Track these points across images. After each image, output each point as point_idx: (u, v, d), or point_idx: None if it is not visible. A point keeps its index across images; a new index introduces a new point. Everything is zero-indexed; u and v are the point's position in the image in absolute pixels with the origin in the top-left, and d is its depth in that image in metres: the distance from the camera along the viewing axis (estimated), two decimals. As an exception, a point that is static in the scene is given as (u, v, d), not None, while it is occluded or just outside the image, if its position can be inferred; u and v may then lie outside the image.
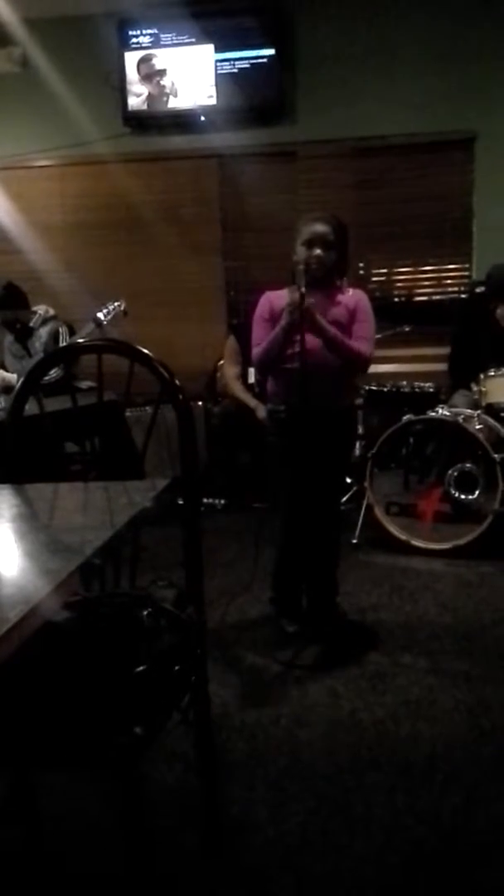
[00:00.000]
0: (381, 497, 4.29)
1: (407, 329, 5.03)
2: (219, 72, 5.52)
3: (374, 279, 5.85)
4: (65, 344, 4.69)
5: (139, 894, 1.66)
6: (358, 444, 4.61)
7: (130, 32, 5.59)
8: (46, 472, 1.90)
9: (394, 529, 4.23)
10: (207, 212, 5.88)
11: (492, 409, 4.33)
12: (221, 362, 5.34)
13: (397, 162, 5.63)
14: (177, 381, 1.89)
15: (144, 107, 5.68)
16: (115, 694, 1.47)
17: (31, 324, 4.90)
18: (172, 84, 5.62)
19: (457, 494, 4.14)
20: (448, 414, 4.22)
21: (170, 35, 5.55)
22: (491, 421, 4.27)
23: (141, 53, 5.61)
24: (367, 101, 5.43)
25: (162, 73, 5.61)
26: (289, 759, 2.39)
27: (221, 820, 2.05)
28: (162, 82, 5.63)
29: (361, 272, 5.74)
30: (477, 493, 4.10)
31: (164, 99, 5.65)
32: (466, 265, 5.68)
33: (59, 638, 1.49)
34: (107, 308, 4.39)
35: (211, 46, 5.50)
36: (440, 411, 4.26)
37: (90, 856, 1.99)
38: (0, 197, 5.90)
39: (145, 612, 1.63)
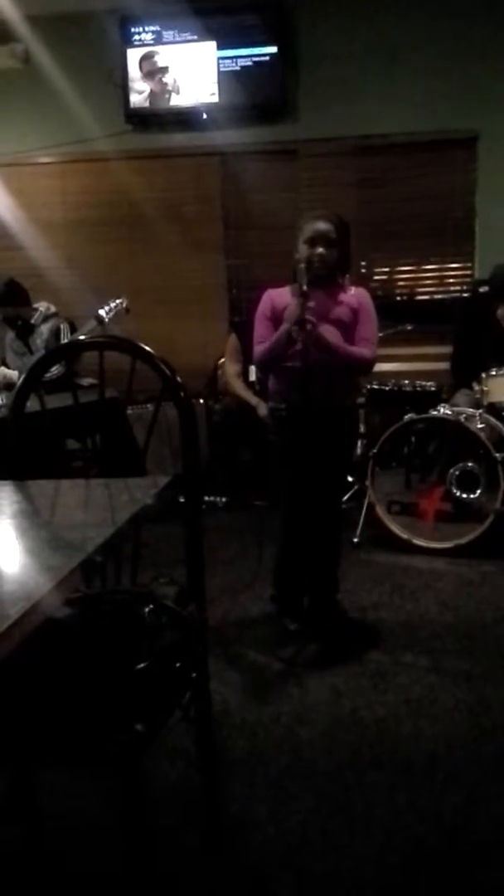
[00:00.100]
0: (383, 496, 4.28)
1: (409, 328, 5.03)
2: (221, 69, 5.51)
3: (376, 278, 5.85)
4: (66, 341, 4.68)
5: (139, 892, 1.66)
6: (359, 443, 4.60)
7: (133, 29, 5.58)
8: (48, 469, 1.90)
9: (395, 528, 4.22)
10: (209, 209, 5.87)
11: (493, 409, 4.33)
12: (223, 360, 5.34)
13: (399, 160, 5.62)
14: (178, 379, 1.89)
15: (146, 104, 5.68)
16: (117, 691, 1.47)
17: (33, 321, 4.89)
18: (174, 81, 5.61)
19: (458, 493, 4.14)
20: (450, 413, 4.22)
21: (172, 32, 5.54)
22: (492, 420, 4.27)
23: (143, 50, 5.60)
24: (370, 99, 5.43)
25: (164, 70, 5.61)
26: (289, 757, 2.38)
27: (222, 818, 2.05)
28: (164, 79, 5.62)
29: (363, 271, 5.74)
30: (478, 492, 4.10)
31: (167, 96, 5.65)
32: (468, 264, 5.67)
33: (60, 634, 1.49)
34: (109, 305, 4.39)
35: (213, 44, 5.49)
36: (442, 410, 4.26)
37: (90, 853, 1.98)
38: (2, 194, 5.89)
39: (146, 609, 1.63)
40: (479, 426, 4.14)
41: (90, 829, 2.06)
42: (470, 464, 4.12)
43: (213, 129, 5.60)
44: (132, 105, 5.67)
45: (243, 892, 1.88)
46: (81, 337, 3.77)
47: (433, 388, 4.50)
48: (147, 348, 1.92)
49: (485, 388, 4.39)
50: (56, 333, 4.85)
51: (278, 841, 2.02)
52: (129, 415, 2.61)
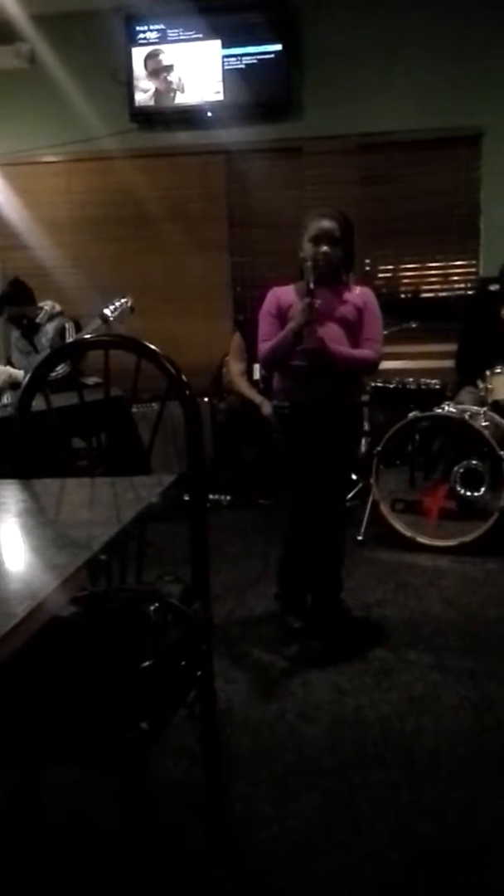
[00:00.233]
0: (387, 494, 4.28)
1: (413, 326, 5.02)
2: (226, 67, 5.51)
3: (381, 275, 5.84)
4: (71, 340, 4.69)
5: (144, 889, 1.67)
6: (364, 441, 4.60)
7: (137, 28, 5.58)
8: (53, 468, 1.90)
9: (399, 526, 4.22)
10: (214, 208, 5.88)
11: (498, 406, 4.32)
12: (227, 358, 5.34)
13: (404, 158, 5.61)
14: (184, 377, 1.89)
15: (151, 102, 5.68)
16: (122, 689, 1.48)
17: (38, 320, 4.91)
18: (179, 80, 5.61)
19: (462, 491, 4.13)
20: (454, 411, 4.22)
21: (177, 31, 5.54)
22: (497, 418, 4.27)
23: (148, 49, 5.61)
24: (374, 96, 5.42)
25: (169, 68, 5.61)
26: (293, 754, 2.39)
27: (226, 815, 2.06)
28: (169, 78, 5.62)
29: (368, 269, 5.74)
30: (483, 489, 4.10)
31: (171, 95, 5.65)
32: (473, 262, 5.66)
33: (65, 633, 1.50)
34: (113, 304, 4.39)
35: (218, 42, 5.49)
36: (446, 408, 4.25)
37: (95, 851, 1.99)
38: (7, 193, 5.90)
39: (152, 608, 1.63)
40: (484, 424, 4.14)
41: (95, 826, 2.07)
42: (474, 462, 4.12)
43: (218, 127, 5.60)
44: (137, 103, 5.68)
45: (247, 889, 1.89)
46: (86, 336, 3.78)
47: (437, 386, 4.49)
48: (152, 347, 1.93)
49: (489, 386, 4.38)
50: (61, 332, 4.86)
51: (282, 839, 2.03)
52: (133, 413, 2.61)
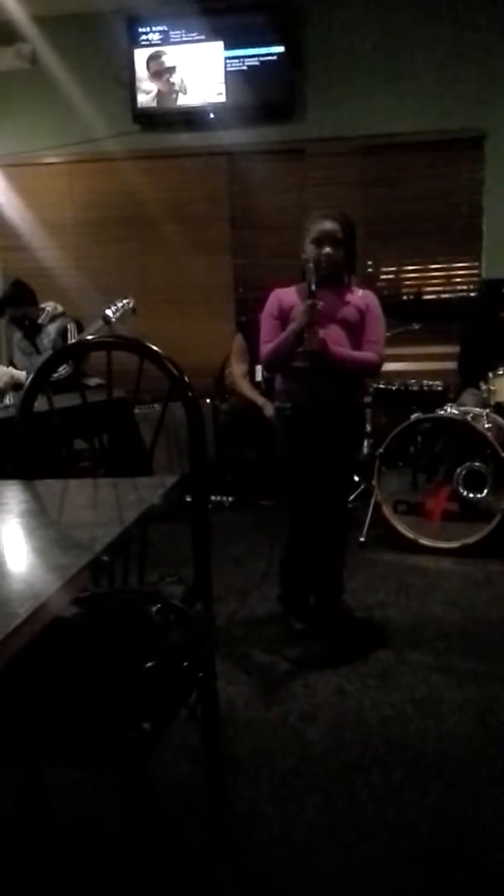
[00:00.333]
0: (389, 495, 4.28)
1: (416, 327, 5.02)
2: (228, 69, 5.51)
3: (383, 277, 5.84)
4: (73, 341, 4.70)
5: (146, 889, 1.67)
6: (366, 443, 4.60)
7: (140, 29, 5.59)
8: (56, 469, 1.91)
9: (402, 528, 4.22)
10: (216, 209, 5.88)
11: (500, 408, 4.32)
12: (229, 360, 5.34)
13: (407, 160, 5.62)
14: (186, 378, 1.89)
15: (154, 104, 5.68)
16: (124, 690, 1.48)
17: (40, 321, 4.91)
18: (182, 81, 5.62)
19: (465, 493, 4.13)
20: (456, 412, 4.22)
21: (179, 32, 5.55)
22: (500, 419, 4.27)
23: (150, 50, 5.61)
24: (377, 98, 5.42)
25: (171, 70, 5.61)
26: (296, 756, 2.39)
27: (228, 816, 2.05)
28: (171, 79, 5.63)
29: (370, 270, 5.73)
30: (485, 491, 4.09)
31: (174, 96, 5.65)
32: (476, 264, 5.66)
33: (68, 633, 1.50)
34: (115, 305, 4.40)
35: (220, 44, 5.49)
36: (448, 410, 4.25)
37: (97, 851, 1.99)
38: (10, 194, 5.91)
39: (154, 609, 1.63)
40: (486, 426, 4.14)
41: (97, 826, 2.07)
42: (477, 463, 4.12)
43: (221, 128, 5.61)
44: (139, 105, 5.68)
45: (249, 890, 1.88)
46: (88, 337, 3.79)
47: (440, 388, 4.49)
48: (155, 348, 1.93)
49: (492, 388, 4.38)
50: (63, 333, 4.86)
51: (284, 839, 2.02)
52: (136, 414, 2.61)
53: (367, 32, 5.41)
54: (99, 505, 1.64)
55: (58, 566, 1.14)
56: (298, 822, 2.08)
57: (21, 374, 4.77)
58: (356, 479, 4.58)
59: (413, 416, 4.24)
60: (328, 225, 3.04)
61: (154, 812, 1.68)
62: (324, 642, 3.12)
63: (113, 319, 4.35)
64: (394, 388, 4.54)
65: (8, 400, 4.03)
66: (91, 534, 1.31)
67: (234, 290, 5.95)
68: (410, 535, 4.20)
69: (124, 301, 4.43)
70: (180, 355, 2.00)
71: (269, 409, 4.29)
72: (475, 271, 5.67)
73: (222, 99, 5.55)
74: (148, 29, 5.58)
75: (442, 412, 4.24)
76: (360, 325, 3.07)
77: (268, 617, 3.39)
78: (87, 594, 1.68)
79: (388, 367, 4.77)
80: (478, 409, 4.30)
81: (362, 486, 4.65)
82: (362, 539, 4.23)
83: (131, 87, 5.66)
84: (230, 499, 5.09)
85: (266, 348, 3.10)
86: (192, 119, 5.67)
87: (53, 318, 4.92)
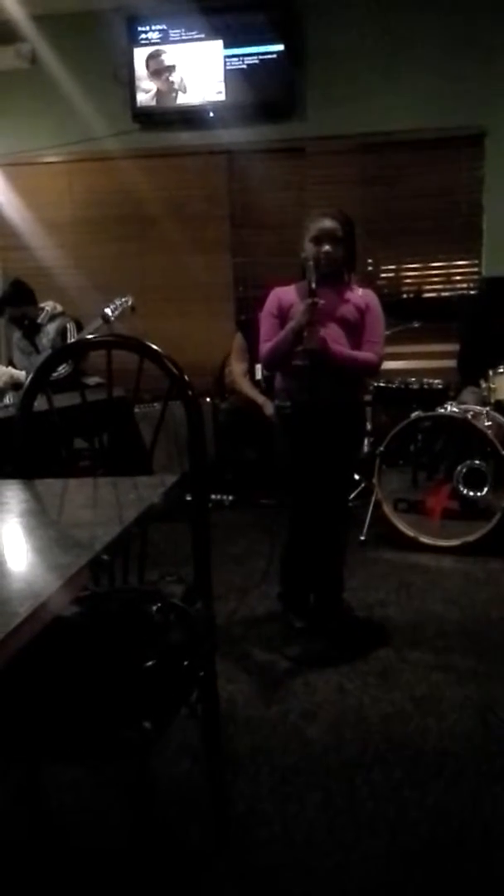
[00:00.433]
0: (390, 494, 4.28)
1: (416, 325, 5.02)
2: (228, 68, 5.51)
3: (383, 275, 5.84)
4: (72, 340, 4.70)
5: (146, 888, 1.67)
6: (366, 441, 4.60)
7: (139, 28, 5.59)
8: (56, 468, 1.91)
9: (402, 526, 4.22)
10: (216, 208, 5.88)
11: (501, 406, 4.32)
12: (229, 358, 5.34)
13: (407, 158, 5.62)
14: (186, 377, 1.90)
15: (153, 103, 5.68)
16: (124, 688, 1.48)
17: (39, 320, 4.91)
18: (181, 80, 5.62)
19: (465, 491, 4.13)
20: (457, 411, 4.22)
21: (178, 31, 5.55)
22: (500, 418, 4.26)
23: (150, 49, 5.61)
24: (377, 96, 5.42)
25: (171, 69, 5.61)
26: (296, 754, 2.39)
27: (228, 815, 2.06)
28: (171, 78, 5.63)
29: (370, 269, 5.74)
30: (485, 489, 4.09)
31: (173, 95, 5.65)
32: (476, 262, 5.66)
33: (68, 633, 1.50)
34: (114, 304, 4.40)
35: (220, 42, 5.49)
36: (449, 408, 4.25)
37: (97, 849, 1.99)
38: (9, 193, 5.91)
39: (154, 608, 1.63)
40: (487, 424, 4.14)
41: (98, 825, 2.07)
42: (477, 461, 4.12)
43: (220, 127, 5.61)
44: (139, 104, 5.68)
45: (249, 888, 1.89)
46: (88, 335, 3.79)
47: (440, 386, 4.50)
48: (155, 347, 1.93)
49: (492, 386, 4.38)
50: (62, 332, 4.87)
51: (285, 838, 2.03)
52: (135, 413, 2.62)
53: (366, 31, 5.41)
54: (99, 504, 1.64)
55: (58, 565, 1.15)
56: (298, 821, 2.09)
57: (20, 374, 4.77)
58: (356, 477, 4.58)
59: (413, 415, 4.24)
60: (327, 223, 3.04)
61: (154, 810, 1.68)
62: (324, 641, 3.12)
63: (112, 318, 4.35)
64: (394, 386, 4.54)
65: (7, 399, 4.03)
66: (91, 533, 1.31)
67: (234, 289, 5.95)
68: (411, 533, 4.20)
69: (123, 299, 4.43)
70: (180, 354, 2.00)
71: (268, 408, 4.29)
72: (475, 269, 5.68)
73: (222, 97, 5.55)
74: (147, 28, 5.58)
75: (442, 410, 4.24)
76: (359, 324, 3.06)
77: (268, 615, 3.39)
78: (88, 593, 1.68)
79: (389, 365, 4.79)
80: (478, 408, 4.30)
81: (362, 485, 4.66)
82: (362, 537, 4.23)
83: (131, 85, 5.66)
84: (230, 497, 5.09)
85: (265, 347, 3.11)
86: (191, 118, 5.66)
87: (53, 318, 4.92)
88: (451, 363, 4.96)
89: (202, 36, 5.51)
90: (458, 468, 4.15)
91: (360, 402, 3.39)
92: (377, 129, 5.51)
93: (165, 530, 2.35)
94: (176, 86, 5.63)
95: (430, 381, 4.55)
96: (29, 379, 2.06)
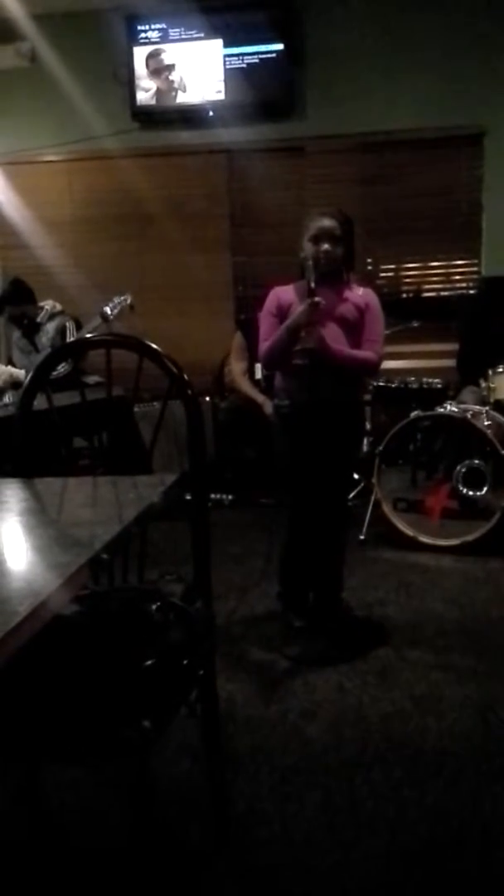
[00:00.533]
0: (389, 493, 4.28)
1: (415, 325, 5.02)
2: (227, 67, 5.51)
3: (383, 275, 5.84)
4: (72, 339, 4.70)
5: (146, 887, 1.67)
6: (366, 441, 4.60)
7: (139, 27, 5.59)
8: (55, 467, 1.91)
9: (401, 525, 4.22)
10: (215, 207, 5.88)
11: (500, 406, 4.32)
12: (229, 358, 5.34)
13: (406, 157, 5.62)
14: (185, 376, 1.89)
15: (153, 102, 5.68)
16: (124, 687, 1.48)
17: (38, 319, 4.91)
18: (181, 79, 5.62)
19: (465, 491, 4.13)
20: (456, 410, 4.22)
21: (178, 30, 5.55)
22: (499, 417, 4.26)
23: (149, 48, 5.61)
24: (376, 96, 5.42)
25: (170, 68, 5.61)
26: (295, 753, 2.39)
27: (228, 814, 2.05)
28: (170, 77, 5.62)
29: (370, 268, 5.74)
30: (485, 489, 4.10)
31: (173, 94, 5.65)
32: (475, 261, 5.66)
33: (68, 632, 1.50)
34: (113, 302, 4.40)
35: (219, 41, 5.49)
36: (448, 407, 4.25)
37: (97, 849, 1.99)
38: (9, 192, 5.91)
39: (154, 607, 1.63)
40: (486, 423, 4.14)
41: (97, 824, 2.07)
42: (476, 461, 4.12)
43: (220, 126, 5.61)
44: (139, 103, 5.68)
45: (249, 887, 1.89)
46: (87, 334, 3.79)
47: (440, 386, 4.50)
48: (154, 346, 1.93)
49: (491, 385, 4.38)
50: (62, 331, 4.87)
51: (284, 837, 2.03)
52: (135, 412, 2.61)
53: (366, 30, 5.41)
54: (98, 503, 1.64)
55: (57, 564, 1.14)
56: (298, 820, 2.09)
57: (20, 373, 4.78)
58: (356, 476, 4.58)
59: (413, 414, 4.24)
60: (326, 222, 3.04)
61: (154, 809, 1.68)
62: (323, 640, 3.12)
63: (111, 316, 4.35)
64: (393, 385, 4.54)
65: (7, 398, 4.04)
66: (90, 532, 1.31)
67: (234, 288, 5.95)
68: (410, 532, 4.20)
69: (122, 298, 4.43)
70: (179, 353, 1.99)
71: (268, 407, 4.28)
72: (474, 269, 5.68)
73: (221, 97, 5.55)
74: (147, 27, 5.58)
75: (441, 410, 4.24)
76: (359, 323, 3.06)
77: (267, 615, 3.39)
78: (87, 592, 1.68)
79: (388, 364, 4.79)
80: (477, 407, 4.30)
81: (362, 484, 4.65)
82: (362, 537, 4.23)
83: (130, 85, 5.66)
84: (230, 497, 5.09)
85: (265, 346, 3.11)
86: (191, 117, 5.66)
87: (52, 317, 4.92)
88: (451, 363, 4.96)
89: (202, 35, 5.51)
90: (458, 468, 4.15)
91: (359, 401, 3.38)
92: (377, 129, 5.52)
93: (165, 529, 2.35)
94: (175, 85, 5.63)
95: (430, 380, 4.55)
96: (28, 378, 2.06)
